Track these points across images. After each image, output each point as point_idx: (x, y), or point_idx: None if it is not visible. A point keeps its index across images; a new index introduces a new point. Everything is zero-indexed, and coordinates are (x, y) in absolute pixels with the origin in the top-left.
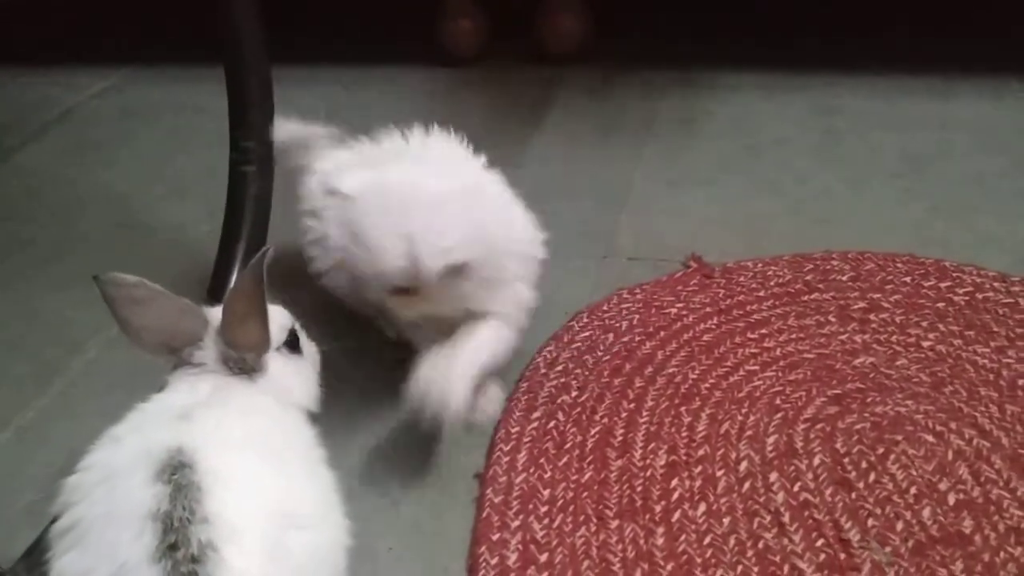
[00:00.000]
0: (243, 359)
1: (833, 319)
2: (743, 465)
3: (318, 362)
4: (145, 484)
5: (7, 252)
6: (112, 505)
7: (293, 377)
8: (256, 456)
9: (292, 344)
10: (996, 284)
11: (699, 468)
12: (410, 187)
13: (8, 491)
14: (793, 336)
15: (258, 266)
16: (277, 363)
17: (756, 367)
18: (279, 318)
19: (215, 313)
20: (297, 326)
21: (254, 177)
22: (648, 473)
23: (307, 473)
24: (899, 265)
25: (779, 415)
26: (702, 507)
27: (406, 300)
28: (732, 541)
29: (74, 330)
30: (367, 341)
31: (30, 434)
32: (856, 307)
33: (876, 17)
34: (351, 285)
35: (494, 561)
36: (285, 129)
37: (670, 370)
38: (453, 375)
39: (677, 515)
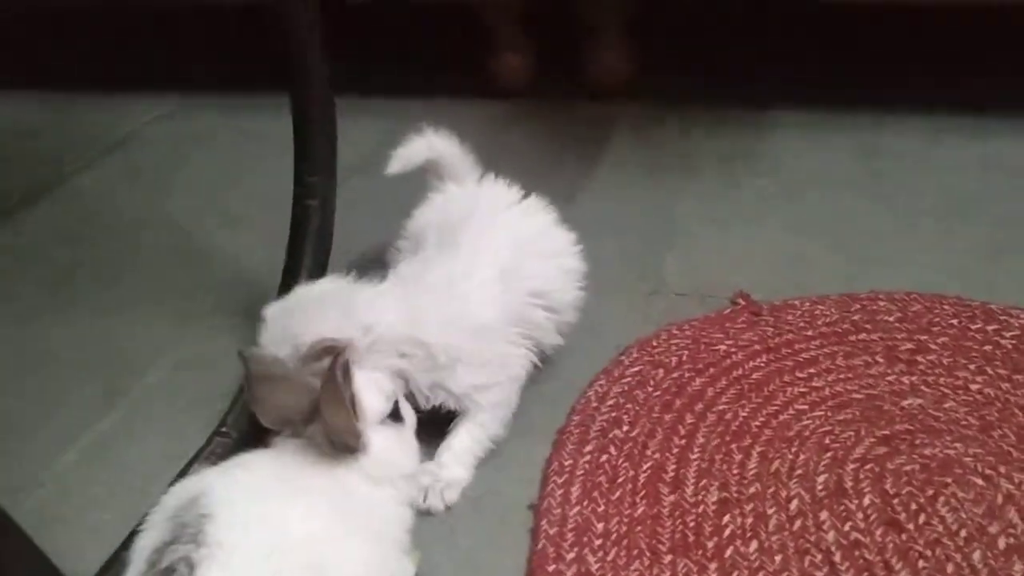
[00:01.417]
0: (342, 441)
1: (881, 360)
2: (794, 503)
3: (415, 423)
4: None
5: (68, 274)
6: (143, 542)
7: (395, 449)
8: (272, 492)
9: (395, 414)
10: None
11: (750, 505)
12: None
13: (74, 509)
14: (841, 376)
15: (335, 366)
16: (379, 437)
17: (805, 406)
18: (382, 388)
19: None
20: (400, 394)
21: (316, 212)
22: (700, 509)
23: (325, 503)
24: (946, 307)
25: (829, 454)
26: (754, 544)
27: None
28: None
29: (135, 353)
30: None
31: (98, 451)
32: (903, 348)
33: (917, 56)
34: None
35: None
36: (429, 144)
37: (720, 407)
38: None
39: (729, 552)
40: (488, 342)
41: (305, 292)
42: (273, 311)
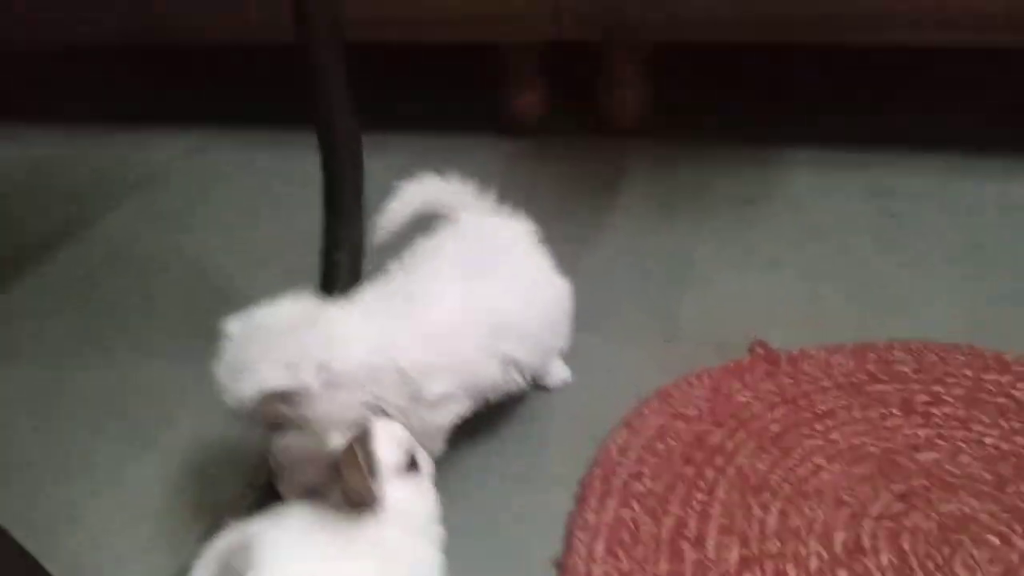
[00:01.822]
0: (356, 501)
1: (896, 412)
2: (813, 562)
3: (432, 469)
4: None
5: (99, 316)
6: None
7: (412, 500)
8: (318, 551)
9: (411, 464)
10: None
11: (770, 564)
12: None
13: (109, 557)
14: (859, 428)
15: (362, 437)
16: (395, 491)
17: (823, 460)
18: (400, 440)
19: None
20: (415, 444)
21: (344, 264)
22: (722, 568)
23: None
24: (960, 357)
25: (846, 511)
26: None
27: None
28: None
29: (166, 400)
30: None
31: (125, 510)
32: (918, 400)
33: (933, 97)
34: None
35: None
36: (422, 191)
37: (740, 461)
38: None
39: None
40: (455, 347)
41: (266, 316)
42: (234, 332)
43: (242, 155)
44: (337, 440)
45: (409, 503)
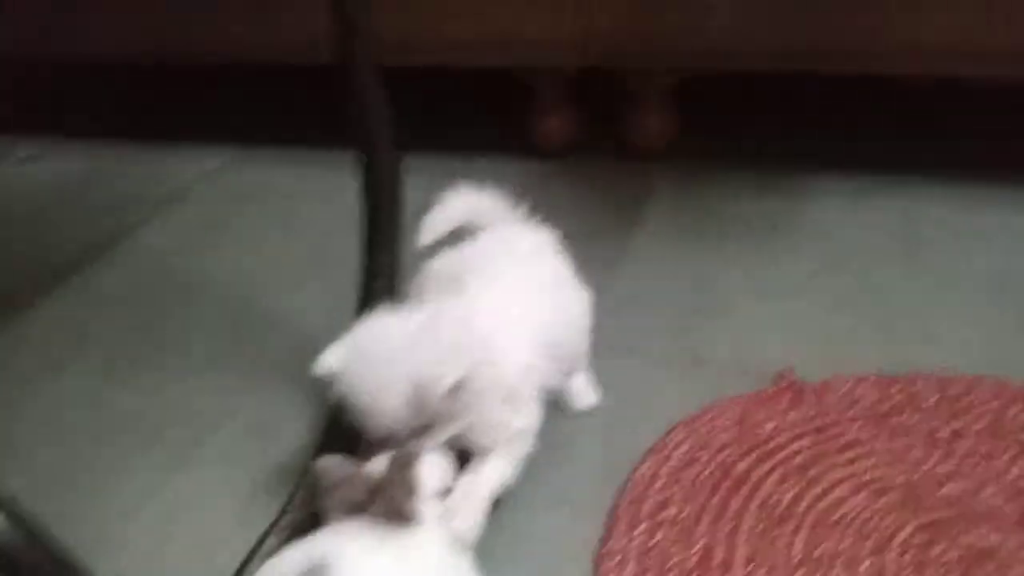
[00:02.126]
0: (395, 519)
1: (920, 444)
2: None
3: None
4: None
5: (135, 334)
6: None
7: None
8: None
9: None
10: None
11: None
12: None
13: (150, 572)
14: (883, 460)
15: (410, 455)
16: (431, 511)
17: (847, 491)
18: (442, 468)
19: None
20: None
21: (383, 291)
22: None
23: None
24: (984, 389)
25: (870, 541)
26: None
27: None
28: None
29: (203, 418)
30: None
31: (168, 518)
32: (941, 434)
33: (961, 127)
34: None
35: None
36: (458, 206)
37: (765, 490)
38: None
39: None
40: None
41: (374, 334)
42: (341, 359)
43: (268, 175)
44: (380, 463)
45: (439, 526)
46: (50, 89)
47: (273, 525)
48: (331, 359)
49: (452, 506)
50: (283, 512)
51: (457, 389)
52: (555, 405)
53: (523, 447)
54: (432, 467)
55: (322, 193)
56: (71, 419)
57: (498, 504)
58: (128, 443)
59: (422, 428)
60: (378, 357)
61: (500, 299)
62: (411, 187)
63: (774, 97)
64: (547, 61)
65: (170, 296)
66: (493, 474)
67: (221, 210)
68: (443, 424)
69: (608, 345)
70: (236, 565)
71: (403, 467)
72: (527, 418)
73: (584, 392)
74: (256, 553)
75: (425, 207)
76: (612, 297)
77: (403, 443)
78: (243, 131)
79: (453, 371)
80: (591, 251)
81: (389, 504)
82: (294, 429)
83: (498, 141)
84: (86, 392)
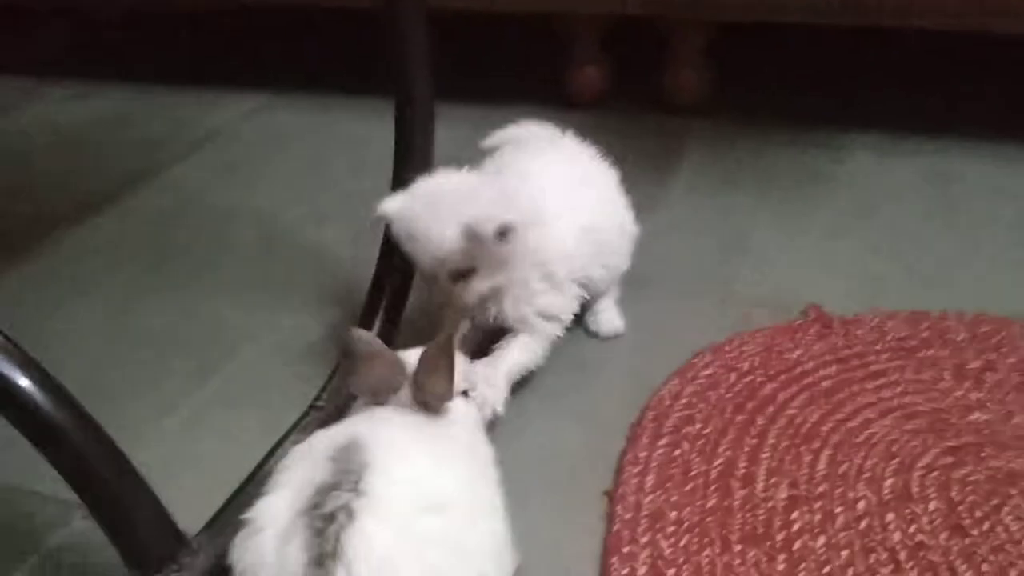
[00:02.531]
0: (428, 403)
1: (948, 376)
2: (861, 504)
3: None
4: (322, 461)
5: (168, 256)
6: (297, 478)
7: (468, 412)
8: (421, 451)
9: (465, 392)
10: None
11: (819, 504)
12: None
13: (174, 472)
14: (910, 389)
15: (451, 336)
16: (457, 407)
17: (873, 415)
18: (463, 370)
19: (411, 358)
20: (473, 380)
21: None
22: (770, 504)
23: (465, 473)
24: (1015, 329)
25: (896, 461)
26: (821, 539)
27: (465, 285)
28: (850, 573)
29: (229, 335)
30: None
31: (194, 422)
32: (971, 366)
33: (996, 80)
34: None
35: (625, 571)
36: (528, 128)
37: (791, 411)
38: (495, 381)
39: (798, 545)
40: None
41: (435, 183)
42: (402, 203)
43: (302, 118)
44: (412, 353)
45: (466, 414)
46: (95, 36)
47: (301, 419)
48: (393, 203)
49: (481, 372)
50: (311, 407)
51: (505, 234)
52: (583, 330)
53: (553, 330)
54: (459, 363)
55: (354, 136)
56: (106, 330)
57: (525, 417)
58: (159, 353)
59: (468, 271)
60: (436, 199)
61: (556, 185)
62: (444, 135)
63: (809, 52)
64: (584, 6)
65: (203, 225)
66: (523, 350)
67: (255, 149)
68: (487, 271)
69: (639, 280)
70: (257, 460)
71: (438, 355)
72: (561, 301)
73: (611, 318)
74: (281, 445)
75: (456, 154)
76: (645, 236)
77: (447, 293)
78: (279, 76)
79: (503, 215)
80: (624, 197)
81: (422, 389)
82: (319, 346)
83: (532, 91)
84: (121, 307)
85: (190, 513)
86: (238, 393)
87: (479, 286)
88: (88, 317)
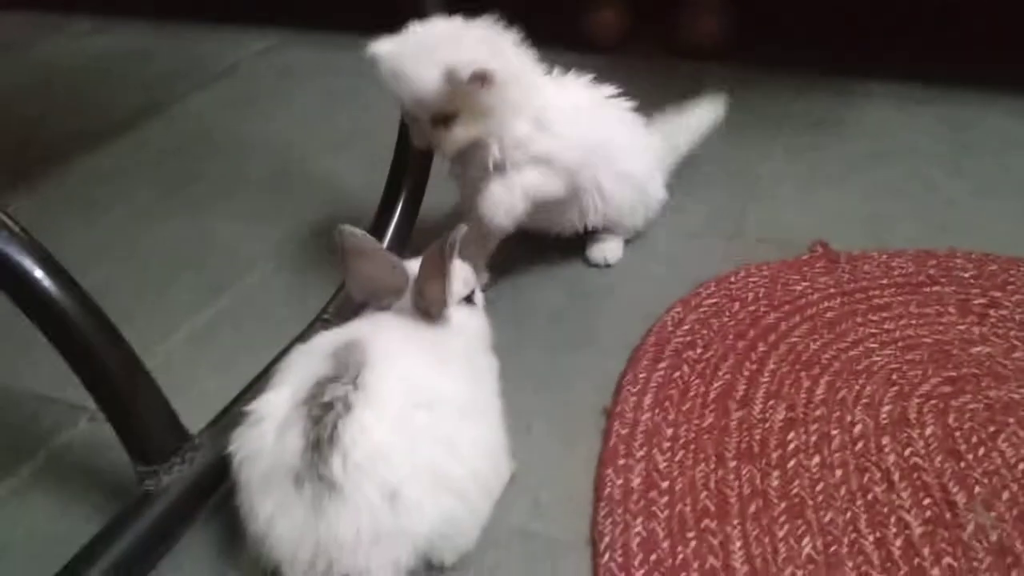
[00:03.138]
0: (428, 310)
1: (953, 310)
2: (857, 428)
3: (483, 306)
4: (323, 358)
5: (183, 182)
6: (298, 374)
7: (470, 323)
8: (418, 352)
9: (469, 298)
10: None
11: (815, 426)
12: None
13: (181, 380)
14: (913, 322)
15: (449, 241)
16: (458, 314)
17: (875, 345)
18: (464, 275)
19: (414, 266)
20: (476, 284)
21: (417, 159)
22: (767, 425)
23: (461, 376)
24: (1022, 269)
25: (895, 388)
26: (816, 459)
27: (446, 131)
28: (843, 490)
29: (241, 256)
30: (504, 287)
31: (203, 335)
32: (976, 302)
33: (1013, 37)
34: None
35: (619, 482)
36: None
37: (792, 339)
38: (514, 195)
39: (792, 463)
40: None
41: (425, 29)
42: (392, 46)
43: (318, 55)
44: (415, 263)
45: (467, 323)
46: None
47: (307, 329)
48: (383, 45)
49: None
50: (318, 319)
51: (483, 80)
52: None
53: (562, 166)
54: (458, 274)
55: (365, 73)
56: (120, 251)
57: (528, 339)
58: (171, 272)
59: (450, 116)
60: (423, 42)
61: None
62: None
63: (829, 2)
64: None
65: (217, 154)
66: (540, 174)
67: (269, 84)
68: (468, 117)
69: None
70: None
71: (435, 261)
72: (558, 144)
73: (606, 248)
74: (287, 352)
75: None
76: None
77: (429, 136)
78: (295, 16)
79: (483, 62)
80: None
81: (421, 295)
82: (327, 268)
83: (549, 34)
84: (135, 230)
85: (196, 416)
86: (246, 310)
87: (460, 133)
88: (101, 237)
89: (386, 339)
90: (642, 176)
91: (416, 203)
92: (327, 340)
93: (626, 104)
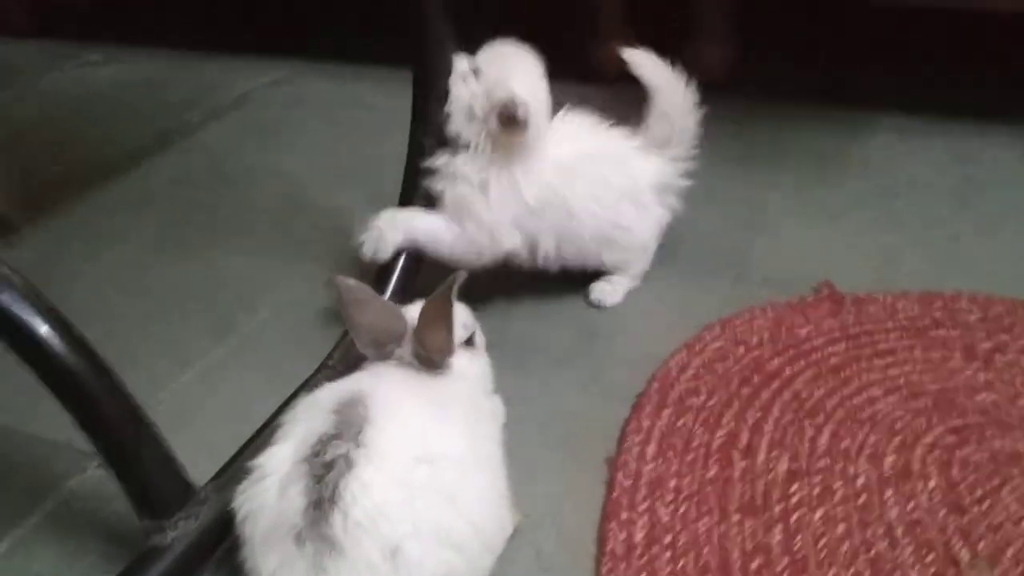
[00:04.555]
0: (430, 358)
1: (958, 356)
2: (860, 480)
3: (484, 348)
4: (326, 414)
5: (192, 215)
6: (302, 429)
7: (471, 368)
8: (420, 405)
9: (469, 340)
10: None
11: (818, 477)
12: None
13: (187, 425)
14: (917, 367)
15: (450, 288)
16: (460, 359)
17: (879, 392)
18: (463, 318)
19: (413, 313)
20: (476, 326)
21: (425, 191)
22: (770, 476)
23: (463, 426)
24: None
25: (898, 438)
26: (819, 512)
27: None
28: (846, 546)
29: (248, 293)
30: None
31: (210, 377)
32: (982, 347)
33: (1018, 68)
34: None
35: (622, 536)
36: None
37: (796, 386)
38: (394, 225)
39: (795, 517)
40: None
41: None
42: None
43: (328, 86)
44: (414, 310)
45: (468, 368)
46: (119, 3)
47: (311, 377)
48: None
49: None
50: (322, 366)
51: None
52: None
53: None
54: (457, 318)
55: (374, 105)
56: (129, 285)
57: (532, 381)
58: (179, 309)
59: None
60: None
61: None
62: None
63: (834, 30)
64: None
65: (227, 186)
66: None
67: (278, 115)
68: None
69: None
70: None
71: (437, 309)
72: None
73: (607, 288)
74: (291, 402)
75: None
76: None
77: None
78: (305, 47)
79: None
80: None
81: (423, 344)
82: (330, 310)
83: (555, 64)
84: (144, 263)
85: (200, 464)
86: (253, 350)
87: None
88: (111, 272)
89: (388, 392)
90: (637, 224)
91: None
92: (330, 394)
93: (625, 142)
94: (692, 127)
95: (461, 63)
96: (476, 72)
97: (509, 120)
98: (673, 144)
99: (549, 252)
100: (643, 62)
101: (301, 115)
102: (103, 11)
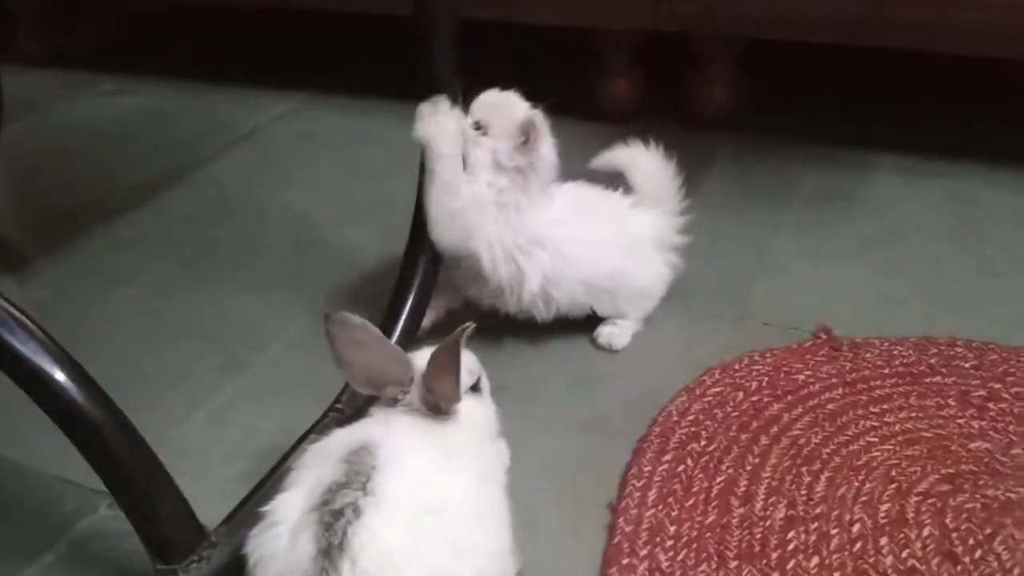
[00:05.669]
0: (438, 405)
1: (953, 403)
2: (856, 527)
3: (489, 393)
4: (335, 463)
5: (203, 252)
6: (311, 476)
7: (477, 413)
8: (428, 452)
9: (475, 386)
10: None
11: (815, 524)
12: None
13: (197, 466)
14: (913, 414)
15: (460, 336)
16: (465, 405)
17: (875, 439)
18: (469, 364)
19: (419, 359)
20: (482, 372)
21: None
22: (767, 523)
23: (469, 474)
24: (1022, 359)
25: (893, 486)
26: (815, 560)
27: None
28: None
29: (259, 331)
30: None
31: (220, 416)
32: (976, 394)
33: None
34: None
35: None
36: (631, 155)
37: (794, 432)
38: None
39: (792, 564)
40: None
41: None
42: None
43: (338, 119)
44: (421, 356)
45: (474, 414)
46: (143, 33)
47: (320, 420)
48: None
49: None
50: (330, 409)
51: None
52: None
53: None
54: (464, 361)
55: (385, 139)
56: (140, 323)
57: (534, 425)
58: (190, 347)
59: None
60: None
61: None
62: None
63: (837, 72)
64: (617, 22)
65: (237, 221)
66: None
67: (288, 149)
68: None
69: None
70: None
71: (445, 357)
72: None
73: (613, 332)
74: (300, 444)
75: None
76: None
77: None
78: (314, 80)
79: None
80: None
81: (431, 391)
82: None
83: (562, 103)
84: (155, 300)
85: (211, 503)
86: (264, 390)
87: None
88: (123, 310)
89: (396, 440)
90: (636, 270)
91: (433, 281)
92: (339, 442)
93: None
94: (675, 189)
95: (464, 124)
96: (479, 125)
97: (527, 140)
98: (663, 202)
99: (533, 290)
100: (620, 156)
101: (311, 149)
102: (117, 41)
